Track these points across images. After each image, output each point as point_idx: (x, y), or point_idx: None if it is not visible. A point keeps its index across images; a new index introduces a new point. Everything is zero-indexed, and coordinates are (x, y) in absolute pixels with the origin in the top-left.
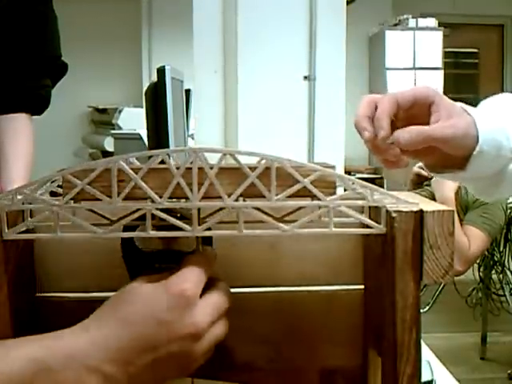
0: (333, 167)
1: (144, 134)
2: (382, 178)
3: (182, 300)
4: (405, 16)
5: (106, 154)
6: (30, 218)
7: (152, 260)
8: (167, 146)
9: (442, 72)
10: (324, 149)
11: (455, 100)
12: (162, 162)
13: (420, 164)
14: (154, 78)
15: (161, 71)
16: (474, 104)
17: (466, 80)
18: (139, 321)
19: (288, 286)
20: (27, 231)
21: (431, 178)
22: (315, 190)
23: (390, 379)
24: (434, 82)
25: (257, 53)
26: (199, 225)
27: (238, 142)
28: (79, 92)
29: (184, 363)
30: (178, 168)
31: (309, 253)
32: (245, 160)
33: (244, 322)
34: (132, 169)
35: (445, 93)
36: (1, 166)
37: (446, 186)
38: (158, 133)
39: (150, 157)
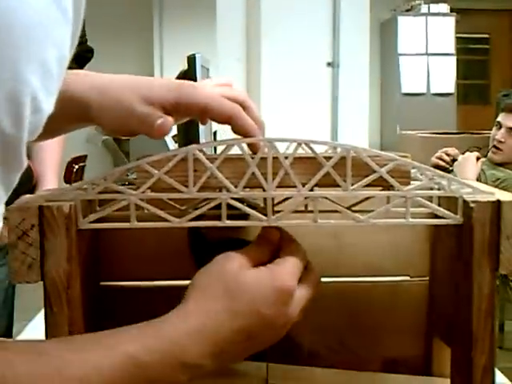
0: (407, 157)
1: None
2: None
3: (284, 295)
4: (417, 1)
5: (120, 140)
6: (98, 208)
7: (218, 249)
8: (197, 134)
9: (454, 58)
10: (347, 135)
11: (466, 86)
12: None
13: (438, 154)
14: (166, 66)
15: (191, 59)
16: (485, 90)
17: (477, 66)
18: (244, 314)
19: (352, 277)
20: (100, 220)
21: (449, 168)
22: (392, 180)
23: (463, 370)
24: (447, 67)
25: (280, 40)
26: (273, 214)
27: None
28: None
29: (267, 346)
30: (252, 157)
31: (373, 243)
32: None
33: (308, 312)
34: (207, 158)
35: (457, 79)
36: (34, 150)
37: (468, 169)
38: (188, 121)
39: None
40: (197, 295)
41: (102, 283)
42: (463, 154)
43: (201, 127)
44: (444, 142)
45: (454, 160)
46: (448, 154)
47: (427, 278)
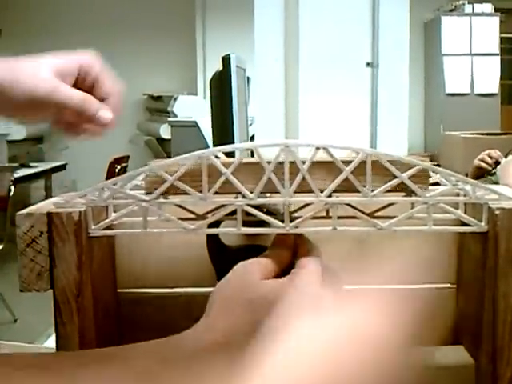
0: (427, 158)
1: (200, 121)
2: (438, 165)
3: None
4: (460, 1)
5: (162, 141)
6: (113, 214)
7: (237, 255)
8: (232, 135)
9: (498, 58)
10: (387, 136)
11: (510, 86)
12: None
13: (480, 156)
14: (208, 65)
15: (226, 59)
16: None
17: None
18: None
19: (376, 285)
20: (111, 227)
21: (491, 171)
22: (414, 186)
23: (488, 382)
24: (491, 68)
25: (318, 40)
26: (291, 221)
27: (299, 130)
28: (134, 80)
29: None
30: (269, 162)
31: (398, 250)
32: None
33: None
34: (222, 163)
35: (501, 79)
36: None
37: (511, 172)
38: (223, 121)
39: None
40: (218, 309)
41: (120, 290)
42: (506, 156)
43: (236, 131)
44: (486, 143)
45: (498, 162)
46: (491, 157)
47: (454, 287)
